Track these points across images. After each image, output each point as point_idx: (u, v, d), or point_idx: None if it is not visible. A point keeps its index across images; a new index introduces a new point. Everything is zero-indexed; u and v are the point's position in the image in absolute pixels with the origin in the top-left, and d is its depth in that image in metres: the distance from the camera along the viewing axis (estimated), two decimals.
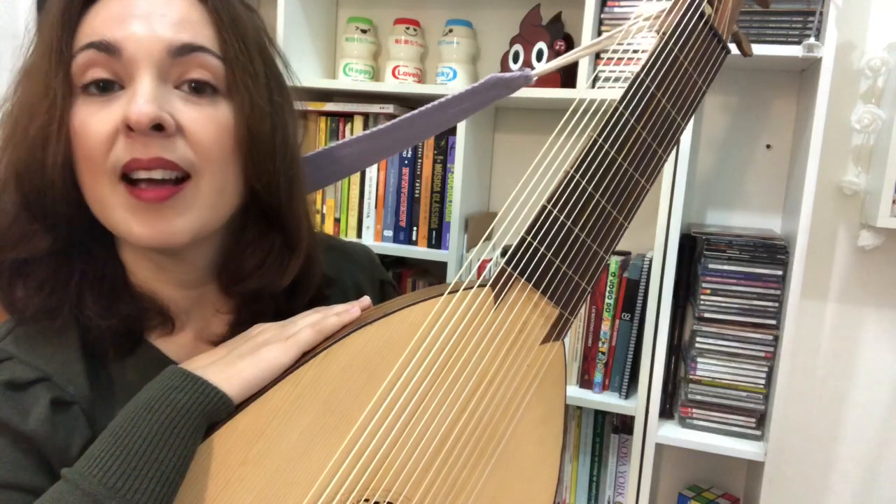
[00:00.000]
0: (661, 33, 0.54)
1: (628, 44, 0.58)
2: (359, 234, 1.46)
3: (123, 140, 0.46)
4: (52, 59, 0.46)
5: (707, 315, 1.24)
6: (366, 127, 1.44)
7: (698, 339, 1.26)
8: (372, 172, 1.44)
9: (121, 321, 0.50)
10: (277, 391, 0.46)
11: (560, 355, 0.54)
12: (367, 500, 0.48)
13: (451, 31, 1.44)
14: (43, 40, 0.47)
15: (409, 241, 1.42)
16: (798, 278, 1.16)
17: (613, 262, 1.30)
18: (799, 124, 1.32)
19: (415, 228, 1.42)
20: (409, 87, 1.41)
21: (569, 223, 0.51)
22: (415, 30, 1.49)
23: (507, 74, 0.61)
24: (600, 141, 0.51)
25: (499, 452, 0.52)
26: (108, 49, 0.46)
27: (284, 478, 0.46)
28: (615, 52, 0.59)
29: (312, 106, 1.45)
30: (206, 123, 0.48)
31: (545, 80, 1.29)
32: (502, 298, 0.51)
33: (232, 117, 0.49)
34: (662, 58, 0.53)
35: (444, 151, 1.38)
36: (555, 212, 0.51)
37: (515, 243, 0.51)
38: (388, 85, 1.42)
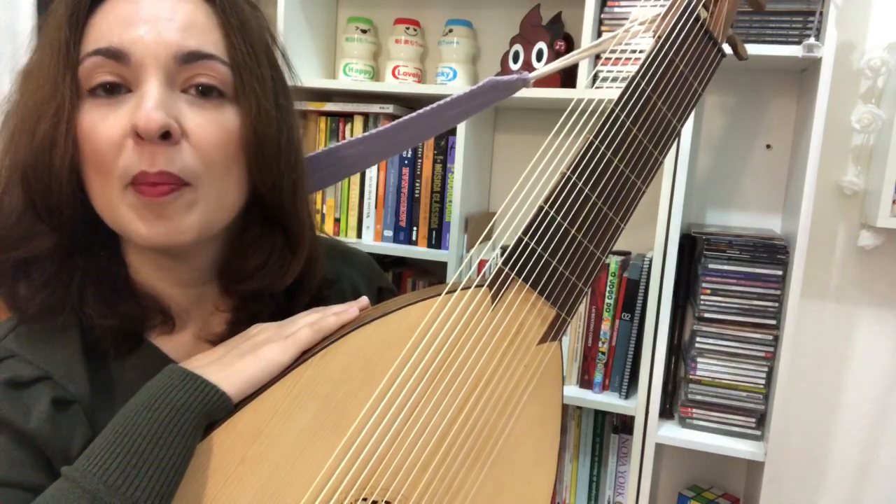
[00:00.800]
0: (656, 36, 0.54)
1: (628, 44, 0.58)
2: (359, 234, 1.46)
3: (132, 147, 0.46)
4: (59, 61, 0.46)
5: (707, 315, 1.25)
6: (366, 127, 1.44)
7: (698, 339, 1.26)
8: (372, 172, 1.44)
9: (122, 320, 0.51)
10: (276, 390, 0.47)
11: (557, 356, 0.54)
12: (364, 499, 0.48)
13: (451, 31, 1.45)
14: (49, 41, 0.47)
15: (409, 241, 1.43)
16: (798, 278, 1.16)
17: (613, 262, 1.30)
18: (799, 124, 1.32)
19: (415, 228, 1.42)
20: (409, 87, 1.42)
21: (565, 224, 0.51)
22: (415, 30, 1.49)
23: (505, 77, 0.61)
24: (596, 143, 0.51)
25: (496, 452, 0.52)
26: (115, 56, 0.46)
27: (283, 476, 0.46)
28: (615, 52, 0.59)
29: (312, 106, 1.45)
30: (211, 129, 0.48)
31: (545, 81, 1.29)
32: (499, 299, 0.51)
33: (238, 122, 0.49)
34: (658, 61, 0.53)
35: (444, 151, 1.38)
36: (551, 213, 0.51)
37: (512, 244, 0.51)
38: (388, 85, 1.42)
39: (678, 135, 0.56)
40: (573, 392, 1.32)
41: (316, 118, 1.46)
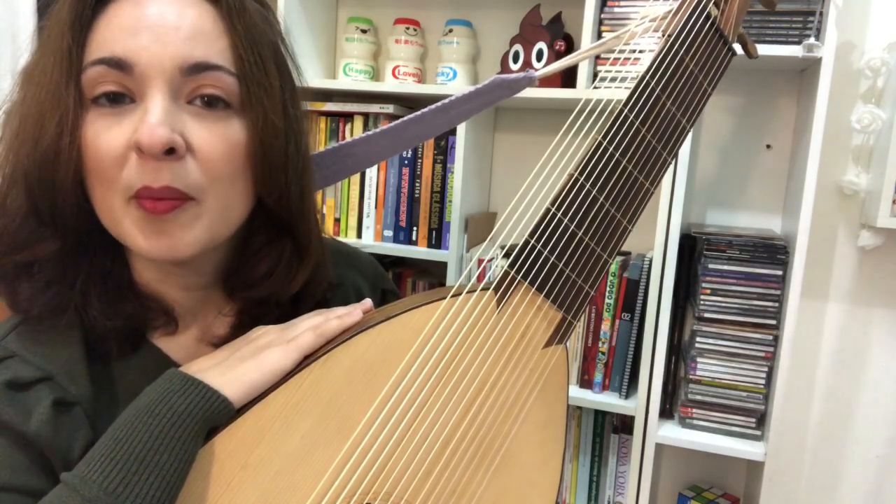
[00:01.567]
0: (666, 35, 0.54)
1: (637, 44, 0.58)
2: (359, 234, 1.46)
3: (135, 160, 0.45)
4: (62, 68, 0.45)
5: (707, 315, 1.24)
6: (366, 127, 1.44)
7: (698, 339, 1.26)
8: (372, 172, 1.43)
9: (125, 321, 0.50)
10: (278, 395, 0.46)
11: (562, 359, 0.53)
12: None
13: (451, 31, 1.44)
14: (52, 47, 0.46)
15: (409, 241, 1.42)
16: (798, 278, 1.16)
17: (613, 262, 1.29)
18: (799, 124, 1.32)
19: (415, 228, 1.42)
20: (409, 87, 1.41)
21: (572, 226, 0.51)
22: (415, 30, 1.48)
23: (511, 76, 0.61)
24: (605, 144, 0.51)
25: (500, 456, 0.52)
26: (119, 66, 0.45)
27: (285, 482, 0.45)
28: (624, 51, 0.58)
29: (312, 106, 1.44)
30: (216, 142, 0.47)
31: (546, 80, 1.29)
32: (505, 302, 0.51)
33: (244, 134, 0.48)
34: (668, 60, 0.53)
35: (444, 151, 1.38)
36: (559, 215, 0.50)
37: (519, 246, 0.51)
38: (388, 85, 1.41)
39: (687, 135, 0.55)
40: (573, 392, 1.32)
41: (316, 118, 1.45)
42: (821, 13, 1.15)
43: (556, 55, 1.35)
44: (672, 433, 1.27)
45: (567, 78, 1.32)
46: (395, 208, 1.42)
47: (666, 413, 1.34)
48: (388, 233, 1.43)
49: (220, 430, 0.45)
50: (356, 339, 0.48)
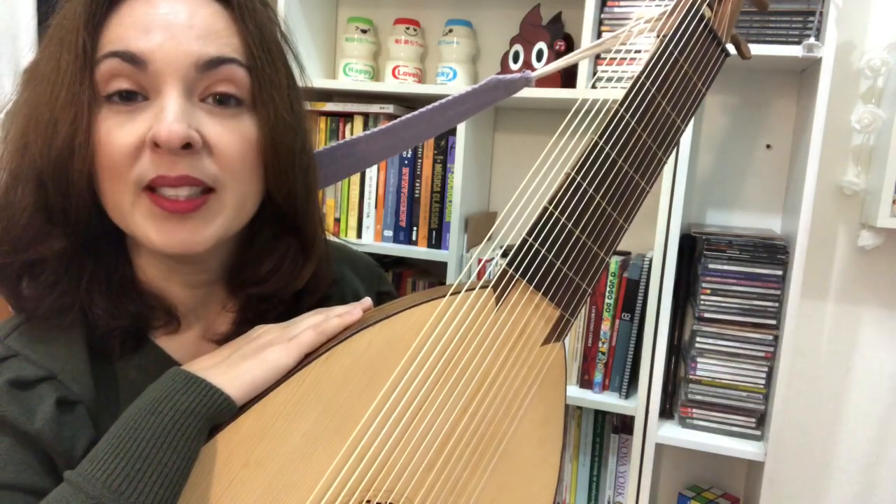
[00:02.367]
0: (660, 36, 0.54)
1: (633, 44, 0.58)
2: (359, 234, 1.46)
3: (149, 155, 0.46)
4: (76, 66, 0.45)
5: (707, 315, 1.25)
6: (366, 127, 1.44)
7: (698, 339, 1.26)
8: (372, 172, 1.44)
9: (129, 320, 0.51)
10: (280, 393, 0.46)
11: (560, 357, 0.54)
12: (368, 502, 0.48)
13: (451, 31, 1.44)
14: (66, 44, 0.46)
15: (409, 242, 1.43)
16: (798, 278, 1.16)
17: (613, 262, 1.30)
18: (799, 124, 1.32)
19: (415, 228, 1.42)
20: (409, 87, 1.42)
21: (570, 225, 0.51)
22: (415, 30, 1.49)
23: (508, 76, 0.61)
24: (601, 143, 0.51)
25: (499, 453, 0.52)
26: (133, 60, 0.45)
27: (287, 479, 0.46)
28: (616, 52, 0.59)
29: (312, 106, 1.45)
30: (231, 138, 0.48)
31: (545, 81, 1.29)
32: (503, 300, 0.51)
33: (256, 130, 0.49)
34: (662, 60, 0.53)
35: (444, 151, 1.38)
36: (556, 213, 0.51)
37: (517, 245, 0.51)
38: (388, 85, 1.42)
39: (682, 134, 0.55)
40: (573, 392, 1.32)
41: (316, 118, 1.46)
42: (821, 13, 1.16)
43: (556, 55, 1.35)
44: (672, 433, 1.27)
45: (567, 78, 1.32)
46: (395, 208, 1.43)
47: (666, 413, 1.34)
48: (388, 233, 1.44)
49: (223, 428, 0.45)
50: (356, 337, 0.48)
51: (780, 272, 1.21)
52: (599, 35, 1.30)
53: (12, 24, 1.18)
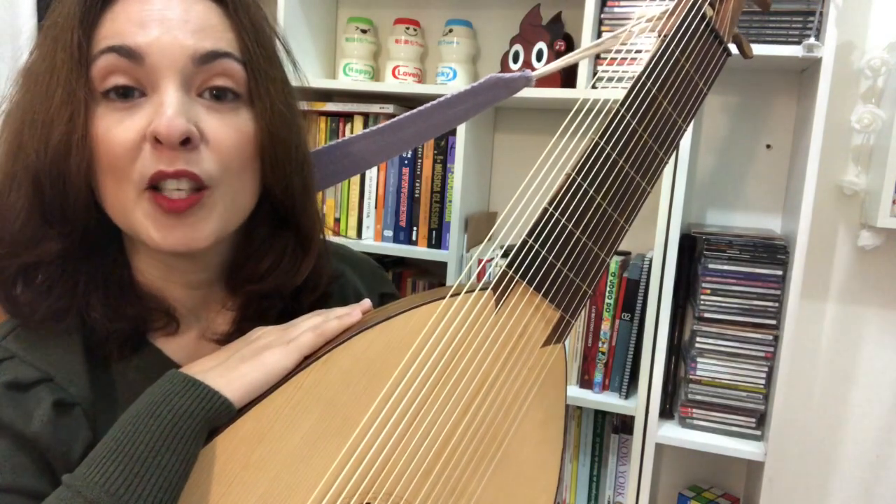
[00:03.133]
0: (662, 35, 0.54)
1: (633, 44, 0.58)
2: (359, 234, 1.46)
3: (149, 150, 0.46)
4: (72, 64, 0.45)
5: (707, 315, 1.24)
6: (366, 127, 1.44)
7: (698, 339, 1.26)
8: (372, 172, 1.44)
9: (127, 323, 0.50)
10: (279, 395, 0.46)
11: (561, 358, 0.54)
12: None
13: (451, 31, 1.44)
14: (60, 43, 0.46)
15: (409, 241, 1.42)
16: (798, 278, 1.16)
17: (613, 262, 1.30)
18: (799, 124, 1.32)
19: (415, 228, 1.42)
20: (409, 87, 1.41)
21: (570, 226, 0.51)
22: (415, 30, 1.49)
23: (507, 75, 0.61)
24: (602, 143, 0.51)
25: (500, 455, 0.52)
26: (129, 55, 0.45)
27: (286, 482, 0.46)
28: (616, 51, 0.58)
29: (312, 106, 1.44)
30: (228, 132, 0.48)
31: (545, 80, 1.29)
32: (503, 301, 0.51)
33: (253, 124, 0.49)
34: (664, 60, 0.53)
35: (444, 151, 1.38)
36: (556, 214, 0.51)
37: (517, 246, 0.51)
38: (388, 85, 1.42)
39: (683, 135, 0.55)
40: (573, 392, 1.32)
41: (316, 118, 1.45)
42: (821, 13, 1.16)
43: (556, 55, 1.35)
44: (672, 433, 1.27)
45: (567, 78, 1.32)
46: (395, 208, 1.42)
47: (666, 413, 1.34)
48: (388, 233, 1.44)
49: (221, 431, 0.45)
50: (356, 339, 0.48)
51: (780, 272, 1.21)
52: (599, 35, 1.30)
53: (12, 24, 1.18)
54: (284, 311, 0.55)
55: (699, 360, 1.26)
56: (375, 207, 1.44)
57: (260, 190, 0.52)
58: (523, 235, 0.50)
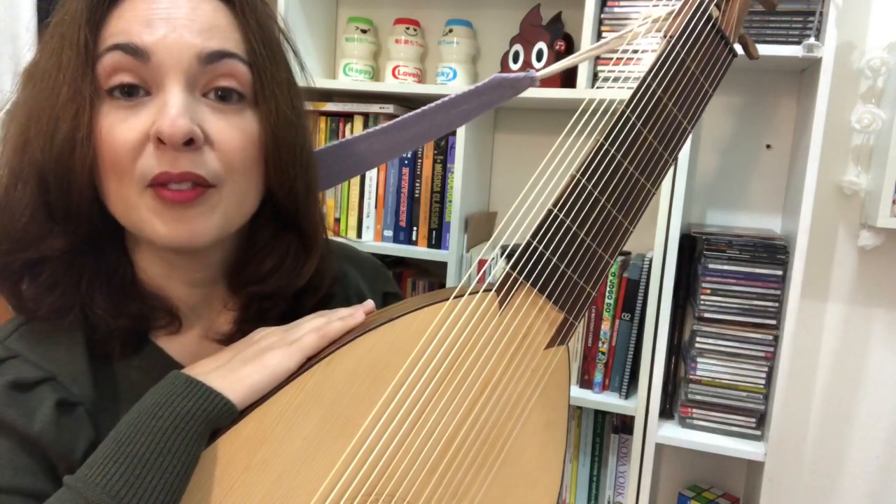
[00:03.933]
0: (668, 36, 0.54)
1: (638, 44, 0.58)
2: (359, 234, 1.46)
3: (153, 150, 0.46)
4: (78, 62, 0.45)
5: (707, 315, 1.24)
6: (366, 127, 1.43)
7: (698, 339, 1.26)
8: (372, 172, 1.43)
9: (130, 320, 0.50)
10: (281, 396, 0.46)
11: (564, 360, 0.53)
12: None
13: (451, 31, 1.44)
14: (67, 41, 0.46)
15: (409, 241, 1.42)
16: (798, 278, 1.16)
17: (614, 263, 1.30)
18: (799, 124, 1.32)
19: (415, 228, 1.42)
20: (409, 87, 1.41)
21: (574, 227, 0.51)
22: (415, 30, 1.48)
23: (512, 75, 0.61)
24: (606, 145, 0.51)
25: (502, 457, 0.52)
26: (135, 53, 0.45)
27: (288, 483, 0.45)
28: (627, 51, 0.58)
29: (312, 106, 1.44)
30: (233, 133, 0.48)
31: (545, 81, 1.29)
32: (507, 303, 0.51)
33: (258, 125, 0.49)
34: (670, 61, 0.53)
35: (444, 151, 1.38)
36: (560, 216, 0.50)
37: (521, 248, 0.51)
38: (388, 85, 1.41)
39: (688, 136, 0.55)
40: (573, 392, 1.32)
41: (316, 118, 1.45)
42: (821, 13, 1.16)
43: (556, 55, 1.35)
44: (672, 433, 1.27)
45: (567, 78, 1.32)
46: (395, 208, 1.42)
47: (666, 413, 1.34)
48: (388, 233, 1.43)
49: (223, 433, 0.45)
50: (359, 340, 0.48)
51: (780, 272, 1.21)
52: (600, 35, 1.30)
53: (12, 24, 1.17)
54: (286, 312, 0.55)
55: (699, 360, 1.26)
56: (375, 207, 1.44)
57: (263, 191, 0.52)
58: (527, 237, 0.50)
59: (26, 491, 0.44)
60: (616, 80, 0.57)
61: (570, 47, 1.39)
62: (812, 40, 1.13)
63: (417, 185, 1.40)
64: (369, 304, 0.54)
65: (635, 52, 0.56)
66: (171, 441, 0.42)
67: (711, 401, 1.27)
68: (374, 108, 1.41)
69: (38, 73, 0.47)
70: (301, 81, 0.55)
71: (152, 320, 0.52)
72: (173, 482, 0.42)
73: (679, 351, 1.35)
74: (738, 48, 0.60)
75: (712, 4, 0.54)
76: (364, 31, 1.50)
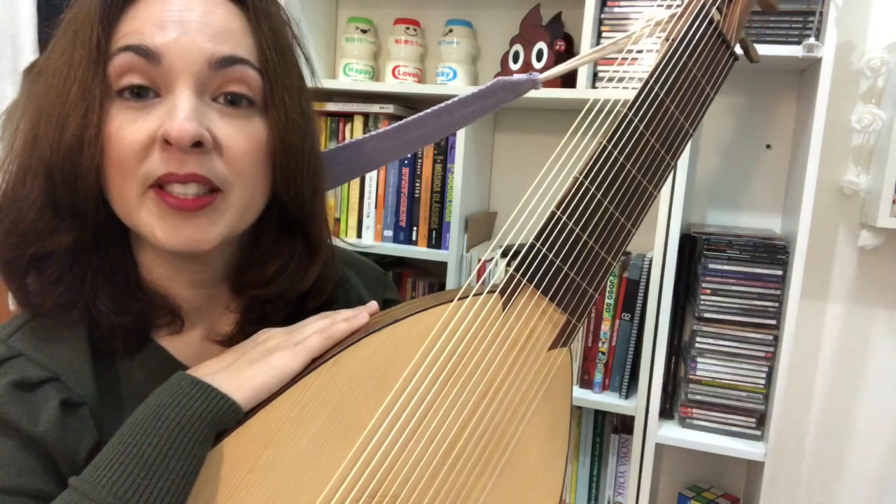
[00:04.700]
0: (670, 39, 0.54)
1: (642, 45, 0.58)
2: (359, 234, 1.46)
3: (159, 152, 0.46)
4: (90, 60, 0.45)
5: (707, 315, 1.25)
6: (366, 127, 1.44)
7: (698, 339, 1.26)
8: (372, 172, 1.43)
9: (132, 318, 0.50)
10: (286, 398, 0.46)
11: (567, 362, 0.54)
12: None
13: (451, 31, 1.44)
14: (80, 39, 0.46)
15: (409, 241, 1.42)
16: (798, 278, 1.16)
17: (617, 264, 1.30)
18: (799, 124, 1.32)
19: (415, 228, 1.42)
20: (409, 87, 1.41)
21: (577, 229, 0.51)
22: (415, 30, 1.48)
23: (515, 78, 0.61)
24: (609, 147, 0.51)
25: (505, 458, 0.52)
26: (147, 54, 0.45)
27: (293, 485, 0.46)
28: (632, 52, 0.58)
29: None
30: (241, 139, 0.48)
31: (546, 81, 1.29)
32: (510, 305, 0.51)
33: (266, 131, 0.49)
34: (672, 64, 0.53)
35: (444, 151, 1.38)
36: (563, 218, 0.51)
37: (524, 250, 0.51)
38: (388, 85, 1.41)
39: (690, 139, 0.55)
40: (573, 392, 1.32)
41: (316, 118, 1.45)
42: (821, 13, 1.16)
43: (556, 55, 1.35)
44: (672, 433, 1.27)
45: (567, 78, 1.32)
46: (395, 208, 1.42)
47: (666, 413, 1.34)
48: (388, 233, 1.43)
49: (228, 434, 0.45)
50: (363, 342, 0.48)
51: (780, 272, 1.21)
52: (600, 35, 1.30)
53: (12, 24, 1.17)
54: (288, 315, 0.55)
55: (699, 360, 1.26)
56: (375, 207, 1.44)
57: (269, 195, 0.52)
58: (531, 239, 0.50)
59: (31, 492, 0.44)
60: (620, 80, 0.57)
61: (570, 47, 1.39)
62: (812, 40, 1.13)
63: (417, 185, 1.40)
64: (373, 305, 0.54)
65: (637, 51, 0.57)
66: (176, 442, 0.42)
67: (711, 401, 1.27)
68: (375, 108, 1.41)
69: (50, 69, 0.48)
70: (309, 84, 0.55)
71: (155, 319, 0.52)
72: (179, 483, 0.42)
73: (679, 351, 1.35)
74: (740, 51, 0.60)
75: (713, 8, 0.55)
76: (364, 31, 1.50)
